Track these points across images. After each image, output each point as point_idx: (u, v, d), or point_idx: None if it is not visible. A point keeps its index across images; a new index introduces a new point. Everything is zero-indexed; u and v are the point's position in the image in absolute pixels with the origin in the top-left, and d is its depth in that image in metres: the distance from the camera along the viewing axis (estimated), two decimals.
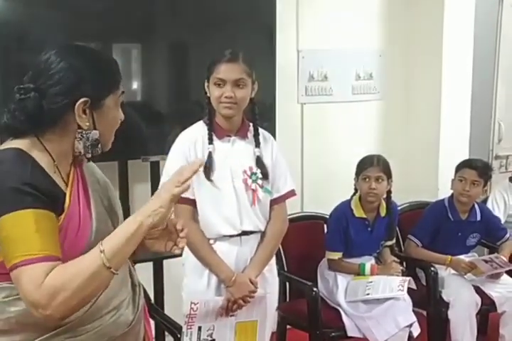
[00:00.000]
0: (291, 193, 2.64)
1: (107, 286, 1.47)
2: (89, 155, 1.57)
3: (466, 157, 4.24)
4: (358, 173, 3.25)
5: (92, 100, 1.50)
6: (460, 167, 3.56)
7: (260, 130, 2.56)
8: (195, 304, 2.36)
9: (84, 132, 1.52)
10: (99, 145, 1.55)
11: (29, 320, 1.43)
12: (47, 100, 1.48)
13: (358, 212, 3.24)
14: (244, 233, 2.52)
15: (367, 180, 3.18)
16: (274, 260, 2.68)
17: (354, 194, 3.31)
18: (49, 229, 1.41)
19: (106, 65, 1.57)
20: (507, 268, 3.43)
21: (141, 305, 1.69)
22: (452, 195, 3.57)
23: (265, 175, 2.52)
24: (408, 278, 3.11)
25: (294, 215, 3.37)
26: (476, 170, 3.47)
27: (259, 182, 2.51)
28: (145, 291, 1.80)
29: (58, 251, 1.41)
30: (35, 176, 1.43)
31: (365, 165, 3.21)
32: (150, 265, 3.12)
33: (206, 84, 2.47)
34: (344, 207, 3.28)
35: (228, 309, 2.44)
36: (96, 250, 1.40)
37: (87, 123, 1.51)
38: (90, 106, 1.50)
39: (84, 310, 1.47)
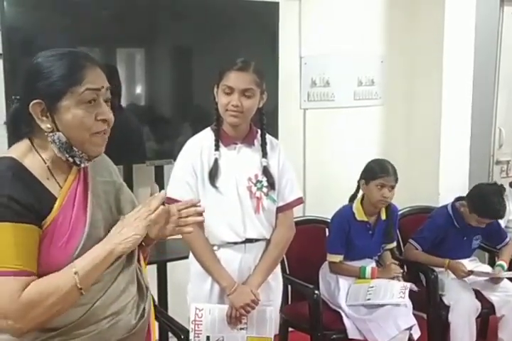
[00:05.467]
0: (298, 201, 2.59)
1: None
2: (73, 160, 1.52)
3: (467, 162, 4.27)
4: (368, 178, 3.22)
5: (46, 102, 1.46)
6: (482, 213, 3.40)
7: (268, 138, 2.53)
8: (199, 310, 2.37)
9: (49, 135, 1.49)
10: (74, 148, 1.50)
11: None
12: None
13: (360, 215, 3.26)
14: (249, 240, 2.49)
15: (380, 187, 3.17)
16: (279, 268, 2.65)
17: (354, 195, 3.33)
18: (27, 244, 1.42)
19: (57, 66, 1.48)
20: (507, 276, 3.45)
21: (147, 312, 1.66)
22: (455, 200, 3.56)
23: (272, 185, 2.49)
24: (409, 284, 3.13)
25: (297, 219, 3.33)
26: (500, 217, 3.48)
27: (264, 190, 2.48)
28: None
29: (33, 266, 1.43)
30: (17, 189, 1.42)
31: (381, 173, 3.18)
32: (154, 267, 3.14)
33: (215, 89, 2.43)
34: (346, 211, 3.30)
35: (232, 317, 2.41)
36: (69, 271, 1.44)
37: (48, 126, 1.48)
38: (47, 108, 1.47)
39: (80, 314, 1.49)
